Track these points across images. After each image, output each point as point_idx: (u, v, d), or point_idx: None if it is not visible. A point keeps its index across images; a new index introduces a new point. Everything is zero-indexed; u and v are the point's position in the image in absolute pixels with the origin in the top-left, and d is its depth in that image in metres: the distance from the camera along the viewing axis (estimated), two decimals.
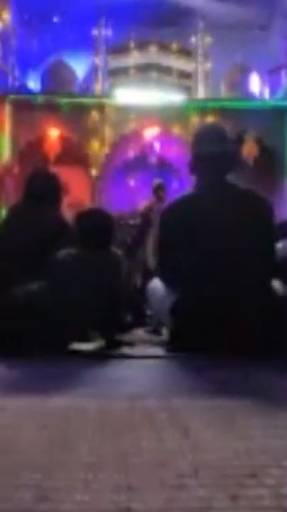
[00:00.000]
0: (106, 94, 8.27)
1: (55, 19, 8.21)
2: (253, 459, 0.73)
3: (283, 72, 8.31)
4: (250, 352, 1.75)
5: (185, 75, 8.69)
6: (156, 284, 2.17)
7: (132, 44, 8.53)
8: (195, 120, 8.03)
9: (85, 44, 8.26)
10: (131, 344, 2.13)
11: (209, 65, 8.43)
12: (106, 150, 7.99)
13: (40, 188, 2.38)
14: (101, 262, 2.08)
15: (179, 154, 8.10)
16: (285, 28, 8.23)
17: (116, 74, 8.61)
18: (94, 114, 8.00)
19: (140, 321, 2.68)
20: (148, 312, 2.38)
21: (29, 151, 7.63)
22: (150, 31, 8.32)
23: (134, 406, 1.07)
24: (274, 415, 1.01)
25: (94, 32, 8.40)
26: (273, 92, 8.54)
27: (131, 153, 8.05)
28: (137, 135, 8.03)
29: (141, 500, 0.58)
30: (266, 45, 8.28)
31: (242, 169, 7.72)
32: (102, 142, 7.98)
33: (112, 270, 2.10)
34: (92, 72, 8.51)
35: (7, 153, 7.75)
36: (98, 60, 8.46)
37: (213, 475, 0.66)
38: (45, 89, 8.31)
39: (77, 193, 7.21)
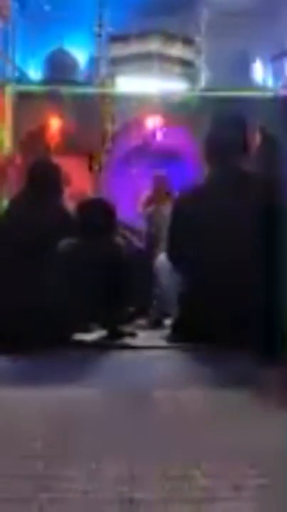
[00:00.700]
0: (108, 83, 8.20)
1: (57, 7, 8.10)
2: (256, 450, 0.73)
3: (286, 60, 8.21)
4: (254, 344, 1.74)
5: (187, 64, 8.59)
6: (163, 261, 2.14)
7: (134, 32, 8.42)
8: (197, 109, 7.96)
9: (87, 32, 8.16)
10: (132, 335, 2.14)
11: (211, 54, 8.33)
12: (108, 140, 7.94)
13: (42, 179, 2.36)
14: (102, 251, 2.07)
15: (181, 143, 8.04)
16: None
17: (118, 63, 8.51)
18: (96, 104, 7.94)
19: (142, 311, 2.68)
20: (155, 291, 2.32)
21: (30, 141, 7.58)
22: (153, 19, 8.20)
23: (136, 396, 1.07)
24: (277, 407, 1.01)
25: (96, 20, 8.29)
26: (276, 80, 8.44)
27: (133, 143, 7.99)
28: (139, 124, 7.96)
29: (144, 490, 0.58)
30: (271, 32, 8.15)
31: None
32: (104, 132, 7.92)
33: (114, 260, 2.09)
34: (94, 60, 8.42)
35: (8, 144, 7.71)
36: (99, 49, 8.36)
37: (216, 466, 0.66)
38: (45, 79, 8.24)
39: (79, 183, 7.17)
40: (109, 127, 7.99)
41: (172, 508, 0.54)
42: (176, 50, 8.64)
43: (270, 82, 8.57)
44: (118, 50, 8.58)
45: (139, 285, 2.22)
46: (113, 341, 2.04)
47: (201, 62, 8.38)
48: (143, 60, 8.52)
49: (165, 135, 8.13)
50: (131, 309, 2.23)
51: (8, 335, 1.87)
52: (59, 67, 8.21)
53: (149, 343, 2.00)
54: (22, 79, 8.22)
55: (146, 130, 8.07)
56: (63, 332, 1.99)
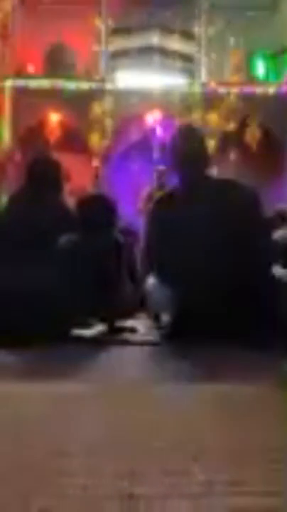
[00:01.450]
0: (107, 78, 8.15)
1: (56, 1, 8.04)
2: (254, 444, 0.73)
3: None
4: (250, 339, 1.76)
5: (187, 58, 8.53)
6: (152, 284, 2.22)
7: (134, 27, 8.37)
8: (197, 104, 7.93)
9: (86, 26, 8.11)
10: (132, 330, 2.14)
11: (212, 48, 8.27)
12: (108, 135, 7.91)
13: (41, 175, 2.36)
14: (102, 248, 2.07)
15: None
16: None
17: (118, 57, 8.46)
18: (95, 99, 7.90)
19: (141, 307, 2.68)
20: (148, 306, 2.40)
21: (30, 136, 7.55)
22: (153, 13, 8.14)
23: (135, 392, 1.07)
24: (273, 401, 1.01)
25: (95, 14, 8.24)
26: (277, 75, 8.40)
27: (133, 138, 7.96)
28: (139, 120, 7.93)
29: (143, 485, 0.58)
30: (272, 27, 8.09)
31: (245, 154, 7.66)
32: (103, 127, 7.89)
33: (113, 256, 2.10)
34: (93, 55, 8.37)
35: (7, 139, 7.68)
36: (99, 43, 8.31)
37: (215, 460, 0.66)
38: (44, 73, 8.19)
39: (79, 179, 7.16)
40: (109, 122, 7.96)
41: (171, 503, 0.54)
42: (176, 45, 8.59)
43: (270, 78, 8.53)
44: (118, 44, 8.52)
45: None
46: (113, 337, 2.04)
47: (201, 57, 8.33)
48: (143, 55, 8.47)
49: (165, 130, 8.10)
50: (131, 305, 2.23)
51: (7, 330, 1.88)
52: (58, 62, 8.17)
53: (148, 339, 2.01)
54: (21, 73, 8.17)
55: (146, 125, 8.04)
56: (63, 327, 2.00)
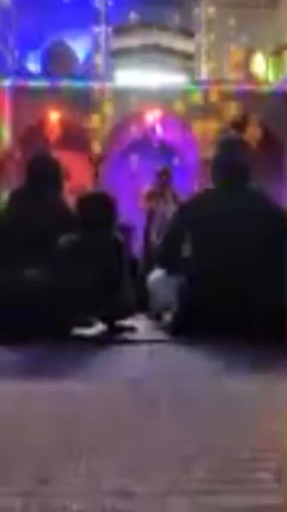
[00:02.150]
0: (107, 76, 8.14)
1: (56, 0, 8.02)
2: (255, 443, 0.73)
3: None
4: (254, 336, 1.76)
5: (187, 56, 8.52)
6: (157, 274, 2.27)
7: (134, 24, 8.35)
8: (197, 102, 7.92)
9: (86, 24, 8.09)
10: (132, 329, 2.14)
11: (212, 46, 8.25)
12: (108, 133, 7.90)
13: (41, 173, 2.36)
14: (102, 246, 2.07)
15: (181, 137, 8.01)
16: None
17: (118, 55, 8.45)
18: (95, 97, 7.89)
19: (142, 305, 2.69)
20: (150, 302, 2.42)
21: (30, 135, 7.54)
22: (153, 11, 8.12)
23: (137, 390, 1.07)
24: (277, 399, 1.01)
25: (95, 12, 8.22)
26: (277, 73, 8.38)
27: (133, 137, 7.95)
28: (139, 118, 7.92)
29: (143, 483, 0.58)
30: (272, 24, 8.07)
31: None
32: (103, 125, 7.88)
33: (113, 255, 2.09)
34: (93, 54, 8.35)
35: (7, 138, 7.68)
36: (99, 41, 8.29)
37: (215, 459, 0.66)
38: (45, 72, 8.18)
39: (78, 177, 7.15)
40: (109, 121, 7.95)
41: (171, 501, 0.54)
42: (176, 43, 8.57)
43: (271, 76, 8.51)
44: (118, 43, 8.51)
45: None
46: (113, 336, 2.04)
47: (201, 55, 8.31)
48: (143, 53, 8.45)
49: (164, 129, 8.09)
50: (131, 303, 2.23)
51: (8, 328, 1.88)
52: (58, 61, 8.15)
53: (149, 338, 2.01)
54: (21, 72, 8.16)
55: (146, 123, 8.03)
56: (63, 326, 2.00)
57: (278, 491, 0.57)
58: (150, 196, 5.46)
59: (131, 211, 5.13)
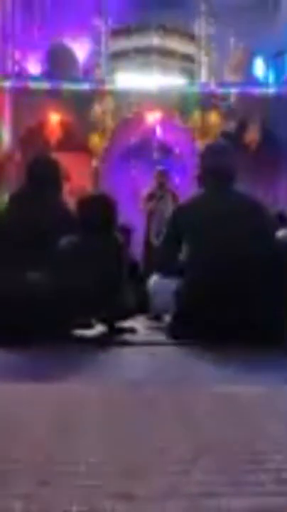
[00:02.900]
0: (107, 78, 8.15)
1: (56, 1, 8.04)
2: (255, 445, 0.73)
3: None
4: (252, 338, 1.76)
5: (187, 59, 8.53)
6: (155, 279, 2.32)
7: (133, 27, 8.37)
8: (197, 105, 7.93)
9: (86, 27, 8.11)
10: (132, 331, 2.14)
11: (212, 49, 8.27)
12: (108, 136, 7.91)
13: (41, 175, 2.36)
14: (102, 248, 2.07)
15: (181, 140, 8.01)
16: None
17: (117, 57, 8.46)
18: (95, 99, 7.90)
19: (142, 307, 2.69)
20: (150, 304, 2.44)
21: (30, 137, 7.55)
22: (152, 13, 8.14)
23: (136, 392, 1.07)
24: (276, 401, 1.01)
25: (95, 14, 8.24)
26: (277, 76, 8.39)
27: (133, 139, 7.96)
28: (139, 120, 7.93)
29: (143, 485, 0.58)
30: (272, 28, 8.09)
31: (244, 155, 7.65)
32: (103, 127, 7.89)
33: (113, 256, 2.10)
34: (93, 56, 8.36)
35: (7, 139, 7.68)
36: (98, 44, 8.31)
37: (214, 461, 0.66)
38: (45, 74, 8.19)
39: (79, 179, 7.16)
40: (109, 123, 7.96)
41: (170, 503, 0.54)
42: (176, 45, 8.58)
43: (271, 79, 8.52)
44: (118, 44, 8.52)
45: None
46: (113, 337, 2.04)
47: (201, 57, 8.33)
48: (143, 55, 8.47)
49: (164, 131, 8.10)
50: (131, 305, 2.23)
51: (8, 330, 1.88)
52: (58, 63, 8.16)
53: (149, 339, 2.01)
54: (21, 74, 8.17)
55: (146, 126, 8.04)
56: (63, 328, 2.00)
57: (278, 493, 0.57)
58: (150, 198, 5.47)
59: (131, 213, 5.13)
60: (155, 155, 7.74)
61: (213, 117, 7.91)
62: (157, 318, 2.59)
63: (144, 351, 1.72)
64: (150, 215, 5.42)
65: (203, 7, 8.26)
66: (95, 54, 8.36)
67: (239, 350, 1.68)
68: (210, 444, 0.73)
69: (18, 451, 0.70)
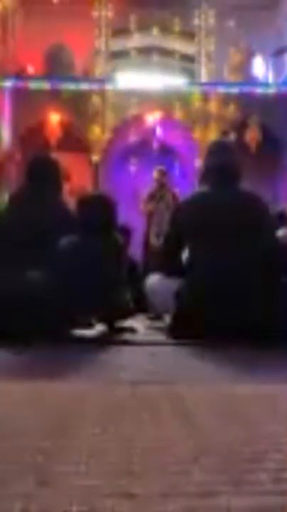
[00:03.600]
0: (107, 78, 8.15)
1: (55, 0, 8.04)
2: (255, 445, 0.73)
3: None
4: (252, 338, 1.76)
5: (187, 58, 8.52)
6: (154, 278, 2.32)
7: (133, 26, 8.36)
8: (197, 104, 7.92)
9: (85, 26, 8.10)
10: (132, 330, 2.14)
11: (212, 48, 8.26)
12: (108, 135, 7.91)
13: (41, 175, 2.36)
14: (102, 248, 2.07)
15: (181, 139, 8.01)
16: None
17: (117, 57, 8.46)
18: (95, 99, 7.90)
19: (142, 307, 2.69)
20: (149, 304, 2.44)
21: (30, 136, 7.55)
22: (152, 12, 8.14)
23: (136, 392, 1.07)
24: (276, 401, 1.01)
25: (95, 14, 8.23)
26: (277, 75, 8.39)
27: (133, 139, 7.95)
28: (139, 120, 7.93)
29: (143, 485, 0.58)
30: (272, 26, 8.08)
31: (245, 154, 7.65)
32: (103, 127, 7.89)
33: (113, 257, 2.10)
34: (93, 55, 8.36)
35: (7, 139, 7.68)
36: (98, 43, 8.31)
37: (214, 460, 0.66)
38: (44, 74, 8.19)
39: (79, 179, 7.16)
40: (109, 123, 7.96)
41: (170, 502, 0.54)
42: (176, 45, 8.58)
43: (271, 78, 8.51)
44: (118, 44, 8.52)
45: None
46: (113, 337, 2.04)
47: (202, 57, 8.32)
48: (143, 55, 8.46)
49: (164, 131, 8.10)
50: (131, 305, 2.24)
51: (7, 330, 1.88)
52: (58, 62, 8.16)
53: (149, 339, 2.01)
54: (21, 74, 8.17)
55: (146, 125, 8.04)
56: (63, 328, 2.00)
57: (278, 492, 0.57)
58: (150, 198, 5.47)
59: (130, 213, 5.13)
60: (155, 155, 7.74)
61: (213, 117, 7.90)
62: (157, 318, 2.59)
63: (144, 351, 1.72)
64: (150, 215, 5.42)
65: (203, 5, 8.25)
66: (95, 53, 8.36)
67: (239, 350, 1.68)
68: (210, 444, 0.73)
69: (17, 451, 0.70)
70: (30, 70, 8.38)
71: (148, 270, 3.42)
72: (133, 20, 8.27)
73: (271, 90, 8.07)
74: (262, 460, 0.66)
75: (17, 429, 0.80)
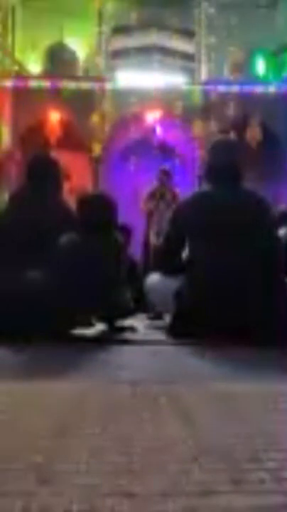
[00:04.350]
0: (108, 76, 8.14)
1: (56, 0, 8.02)
2: (255, 444, 0.73)
3: None
4: (252, 337, 1.76)
5: (187, 57, 8.52)
6: (154, 277, 2.32)
7: (133, 25, 8.35)
8: (197, 103, 7.92)
9: (86, 25, 8.09)
10: (132, 329, 2.14)
11: (212, 46, 8.25)
12: (108, 134, 7.91)
13: (41, 173, 2.36)
14: (102, 247, 2.07)
15: (181, 138, 8.01)
16: None
17: (118, 56, 8.45)
18: (95, 98, 7.89)
19: (142, 306, 2.69)
20: (148, 304, 2.44)
21: (30, 135, 7.55)
22: (152, 11, 8.13)
23: (136, 391, 1.07)
24: (275, 400, 1.01)
25: (95, 13, 8.22)
26: (277, 73, 8.38)
27: (133, 137, 7.95)
28: (139, 118, 7.92)
29: (143, 484, 0.58)
30: (272, 25, 8.07)
31: (245, 153, 7.64)
32: (103, 126, 7.88)
33: (113, 255, 2.10)
34: (93, 54, 8.35)
35: (7, 138, 7.68)
36: (99, 42, 8.30)
37: (214, 459, 0.66)
38: (45, 72, 8.18)
39: (79, 177, 7.15)
40: (109, 121, 7.95)
41: (170, 502, 0.54)
42: (177, 43, 8.57)
43: (271, 76, 8.50)
44: (118, 43, 8.51)
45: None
46: (113, 336, 2.04)
47: (202, 56, 8.31)
48: (144, 54, 8.45)
49: (164, 129, 8.09)
50: (131, 304, 2.24)
51: (8, 329, 1.88)
52: (58, 61, 8.15)
53: (149, 338, 2.01)
54: (21, 73, 8.16)
55: (146, 124, 8.03)
56: (63, 327, 2.00)
57: (278, 492, 0.57)
58: (151, 197, 5.47)
59: (130, 212, 5.13)
60: (155, 153, 7.74)
61: (213, 117, 7.90)
62: (157, 317, 2.59)
63: (144, 350, 1.72)
64: (151, 214, 5.42)
65: (204, 4, 8.24)
66: (95, 52, 8.35)
67: (239, 349, 1.68)
68: (210, 444, 0.73)
69: (18, 450, 0.70)
70: (31, 68, 8.37)
71: (148, 269, 3.42)
72: (133, 19, 8.26)
73: (271, 89, 8.06)
74: (262, 459, 0.66)
75: (17, 429, 0.80)
